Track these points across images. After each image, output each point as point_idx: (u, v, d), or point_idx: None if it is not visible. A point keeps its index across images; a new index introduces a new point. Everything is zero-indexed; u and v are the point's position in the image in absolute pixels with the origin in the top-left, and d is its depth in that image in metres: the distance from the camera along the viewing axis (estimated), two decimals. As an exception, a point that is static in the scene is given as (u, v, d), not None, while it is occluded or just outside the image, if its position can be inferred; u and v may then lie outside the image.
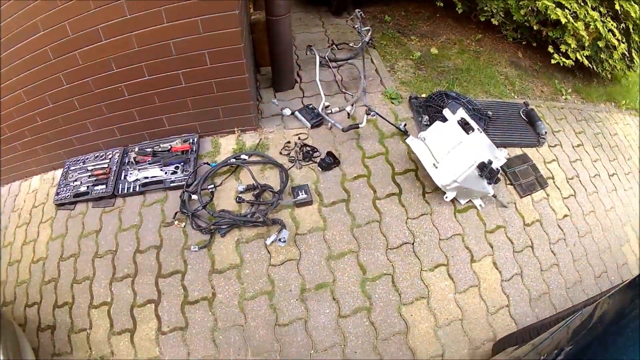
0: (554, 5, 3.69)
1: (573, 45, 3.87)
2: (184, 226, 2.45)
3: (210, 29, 2.31)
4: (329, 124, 2.99)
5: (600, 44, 3.92)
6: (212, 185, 2.53)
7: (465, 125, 2.54)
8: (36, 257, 2.69)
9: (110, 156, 2.77)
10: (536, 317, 2.51)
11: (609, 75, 4.48)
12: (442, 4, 4.41)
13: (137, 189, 2.58)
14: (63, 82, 2.53)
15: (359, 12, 3.61)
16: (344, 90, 3.38)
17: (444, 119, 2.65)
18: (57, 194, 2.73)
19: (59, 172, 2.96)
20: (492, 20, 4.18)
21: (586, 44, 3.89)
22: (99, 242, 2.56)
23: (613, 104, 4.58)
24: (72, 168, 2.80)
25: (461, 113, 2.60)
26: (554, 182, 3.20)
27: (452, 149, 2.50)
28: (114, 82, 2.50)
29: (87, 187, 2.66)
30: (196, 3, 2.19)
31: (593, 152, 3.74)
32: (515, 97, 3.89)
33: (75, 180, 2.72)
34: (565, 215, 3.06)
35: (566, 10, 3.70)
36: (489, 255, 2.61)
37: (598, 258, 3.04)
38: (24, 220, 2.93)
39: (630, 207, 3.58)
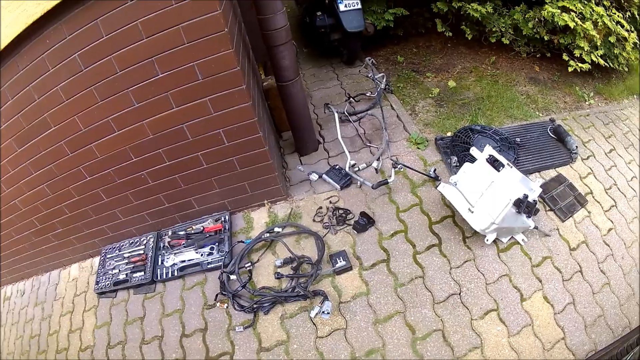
0: (559, 10, 3.61)
1: (586, 48, 3.77)
2: (227, 307, 2.44)
3: (221, 108, 2.29)
4: (358, 182, 2.96)
5: (612, 39, 3.83)
6: (249, 263, 2.51)
7: (494, 163, 2.47)
8: (84, 345, 2.72)
9: (144, 241, 2.79)
10: (593, 344, 2.44)
11: (626, 68, 4.35)
12: (450, 34, 4.36)
13: (176, 274, 2.59)
14: (84, 174, 2.52)
15: (369, 59, 3.60)
16: (368, 144, 3.35)
17: (473, 159, 2.59)
18: (97, 282, 2.76)
19: (96, 260, 3.00)
20: (503, 39, 4.13)
21: (598, 43, 3.78)
22: (144, 328, 2.58)
23: (635, 96, 4.44)
24: (108, 256, 2.83)
25: (488, 150, 2.53)
26: (593, 197, 3.10)
27: (485, 190, 2.43)
28: (135, 170, 2.50)
29: (126, 274, 2.69)
30: (202, 84, 2.15)
31: (626, 153, 3.62)
32: (540, 114, 3.80)
33: (114, 268, 2.75)
34: (610, 229, 2.95)
35: (572, 13, 3.61)
36: (539, 290, 2.53)
37: (648, 264, 2.92)
38: (68, 309, 2.97)
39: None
